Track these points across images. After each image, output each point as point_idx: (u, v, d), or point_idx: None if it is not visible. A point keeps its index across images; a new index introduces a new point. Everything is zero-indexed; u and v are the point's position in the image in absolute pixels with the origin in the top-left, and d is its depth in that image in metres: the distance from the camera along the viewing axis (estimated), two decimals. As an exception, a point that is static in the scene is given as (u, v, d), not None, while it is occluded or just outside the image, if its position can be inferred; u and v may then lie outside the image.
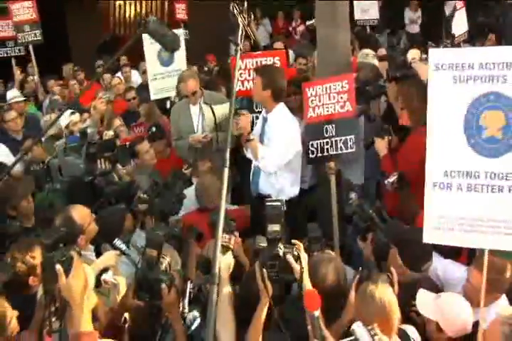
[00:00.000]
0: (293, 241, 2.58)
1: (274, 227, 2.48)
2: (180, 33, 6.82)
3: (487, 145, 2.72)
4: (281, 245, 2.49)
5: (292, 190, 4.83)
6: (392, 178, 4.34)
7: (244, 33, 2.66)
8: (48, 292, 2.31)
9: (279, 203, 2.53)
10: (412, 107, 4.38)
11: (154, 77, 6.75)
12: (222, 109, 5.72)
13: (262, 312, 2.53)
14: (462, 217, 2.78)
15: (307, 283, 2.54)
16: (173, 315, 2.73)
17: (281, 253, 2.47)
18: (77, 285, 2.25)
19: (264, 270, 2.47)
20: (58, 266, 2.25)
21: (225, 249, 3.01)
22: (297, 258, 2.50)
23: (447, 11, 9.83)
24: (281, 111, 4.82)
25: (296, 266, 2.48)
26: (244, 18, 2.68)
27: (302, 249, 2.56)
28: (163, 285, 2.64)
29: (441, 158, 2.82)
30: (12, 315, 2.73)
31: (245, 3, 2.71)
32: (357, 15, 10.39)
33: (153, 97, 6.82)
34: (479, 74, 2.69)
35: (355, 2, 10.14)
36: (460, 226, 2.79)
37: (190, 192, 4.87)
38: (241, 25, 2.64)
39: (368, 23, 10.51)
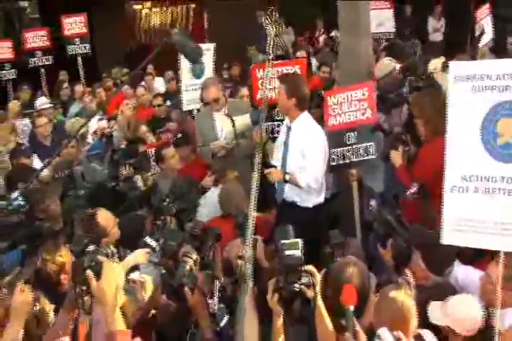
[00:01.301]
0: (306, 268, 2.54)
1: (292, 277, 2.47)
2: (211, 46, 6.94)
3: (502, 151, 2.86)
4: (297, 283, 2.48)
5: (318, 200, 4.84)
6: (413, 189, 4.38)
7: (274, 42, 2.73)
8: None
9: (298, 252, 2.49)
10: (426, 117, 4.39)
11: (187, 88, 6.89)
12: (242, 120, 5.81)
13: (278, 321, 2.59)
14: (478, 220, 2.91)
15: (320, 305, 2.60)
16: (199, 313, 2.83)
17: (297, 289, 2.47)
18: (109, 287, 2.36)
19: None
20: (89, 272, 2.36)
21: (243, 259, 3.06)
22: (311, 285, 2.52)
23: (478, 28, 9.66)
24: (305, 119, 4.81)
25: (310, 294, 2.51)
26: (276, 28, 2.76)
27: (316, 274, 2.57)
28: (186, 289, 2.74)
29: (459, 163, 2.98)
30: (50, 308, 2.87)
31: (277, 14, 2.80)
32: (372, 29, 10.21)
33: (185, 108, 6.97)
34: (496, 84, 2.86)
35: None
36: (475, 228, 2.91)
37: (214, 199, 4.96)
38: (272, 35, 2.71)
39: (383, 37, 10.26)
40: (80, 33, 10.36)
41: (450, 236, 3.00)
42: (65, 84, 10.25)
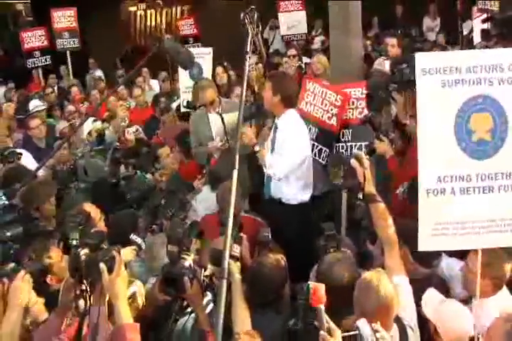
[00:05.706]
0: None
1: None
2: (209, 50, 6.96)
3: (477, 148, 2.77)
4: None
5: (303, 196, 4.84)
6: (404, 188, 4.38)
7: (252, 43, 2.73)
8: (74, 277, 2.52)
9: None
10: None
11: (185, 90, 6.91)
12: (232, 117, 5.84)
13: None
14: (456, 221, 2.82)
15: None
16: (197, 306, 2.91)
17: None
18: (121, 281, 2.50)
19: None
20: (102, 265, 2.48)
21: (235, 258, 3.12)
22: None
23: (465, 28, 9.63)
24: (290, 116, 4.82)
25: None
26: (253, 29, 2.75)
27: None
28: (186, 279, 2.80)
29: (434, 164, 2.80)
30: (36, 300, 2.88)
31: (255, 14, 2.79)
32: (283, 31, 9.97)
33: (183, 110, 6.94)
34: (467, 77, 2.72)
35: (281, 17, 9.87)
36: (454, 230, 2.83)
37: (206, 198, 5.03)
38: (250, 35, 2.71)
39: (295, 39, 9.88)
40: (69, 27, 10.29)
41: (427, 242, 2.87)
42: (50, 89, 10.09)
